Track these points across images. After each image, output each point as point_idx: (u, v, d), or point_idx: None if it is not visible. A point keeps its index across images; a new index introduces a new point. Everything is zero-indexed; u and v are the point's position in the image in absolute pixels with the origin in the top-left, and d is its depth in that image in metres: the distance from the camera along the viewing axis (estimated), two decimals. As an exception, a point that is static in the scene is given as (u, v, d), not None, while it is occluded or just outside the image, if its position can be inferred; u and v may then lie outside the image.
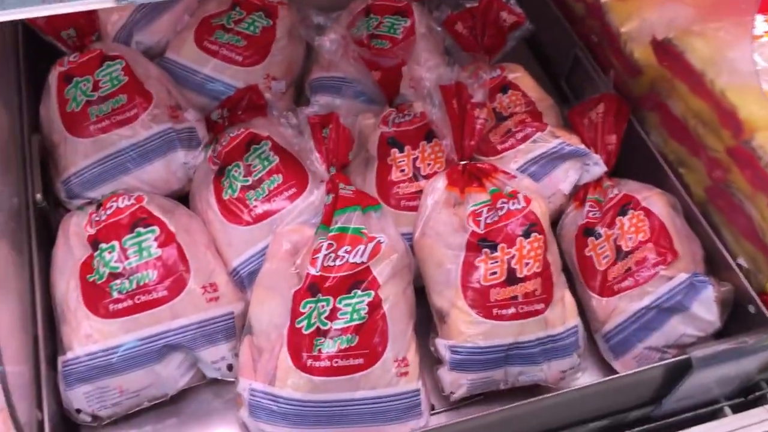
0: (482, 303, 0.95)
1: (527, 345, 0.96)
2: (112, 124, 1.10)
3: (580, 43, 1.30)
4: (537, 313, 0.96)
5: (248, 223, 1.04)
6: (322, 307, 0.92)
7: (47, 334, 0.95)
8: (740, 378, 1.02)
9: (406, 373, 0.95)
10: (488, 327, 0.95)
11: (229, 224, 1.04)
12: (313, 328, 0.91)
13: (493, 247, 0.96)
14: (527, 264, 0.96)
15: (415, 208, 1.07)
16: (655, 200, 1.06)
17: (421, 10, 1.30)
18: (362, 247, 0.94)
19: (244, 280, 1.04)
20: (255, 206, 1.04)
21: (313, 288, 0.93)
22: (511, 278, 0.95)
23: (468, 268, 0.96)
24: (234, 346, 1.00)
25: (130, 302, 0.93)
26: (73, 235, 0.99)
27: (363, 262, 0.94)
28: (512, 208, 0.97)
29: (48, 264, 1.01)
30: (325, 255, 0.93)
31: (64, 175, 1.09)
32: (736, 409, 1.04)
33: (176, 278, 0.96)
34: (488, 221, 0.97)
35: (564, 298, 1.00)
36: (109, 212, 0.98)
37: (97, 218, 0.98)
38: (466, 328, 0.96)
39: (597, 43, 1.27)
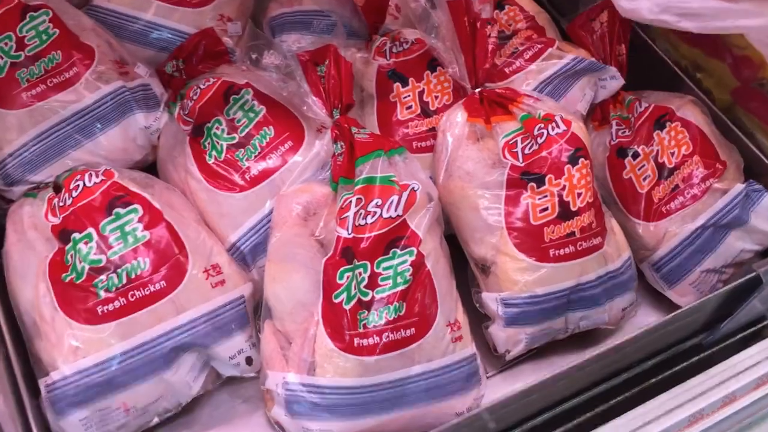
0: (535, 245, 0.83)
1: (589, 285, 0.85)
2: (48, 89, 0.89)
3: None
4: (596, 248, 0.85)
5: (243, 189, 0.87)
6: (360, 274, 0.77)
7: (19, 353, 0.76)
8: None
9: (460, 338, 0.82)
10: (546, 271, 0.83)
11: (219, 192, 0.87)
12: (354, 301, 0.77)
13: (540, 180, 0.83)
14: (579, 194, 0.84)
15: (429, 149, 0.94)
16: (689, 109, 0.96)
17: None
18: (395, 197, 0.79)
19: (246, 257, 0.87)
20: (248, 167, 0.87)
21: (347, 253, 0.78)
22: (565, 212, 0.83)
23: (512, 207, 0.84)
24: (250, 335, 0.84)
25: (122, 300, 0.75)
26: (30, 228, 0.79)
27: (399, 216, 0.79)
28: (552, 133, 0.84)
29: (-2, 269, 0.81)
30: (355, 213, 0.78)
31: (-3, 158, 0.88)
32: (787, 323, 0.98)
33: (173, 264, 0.78)
34: (527, 151, 0.84)
35: (613, 227, 0.90)
36: (75, 194, 0.78)
37: (62, 203, 0.78)
38: (520, 276, 0.83)
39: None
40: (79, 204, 0.78)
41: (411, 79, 0.95)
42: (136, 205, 0.79)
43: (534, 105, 0.87)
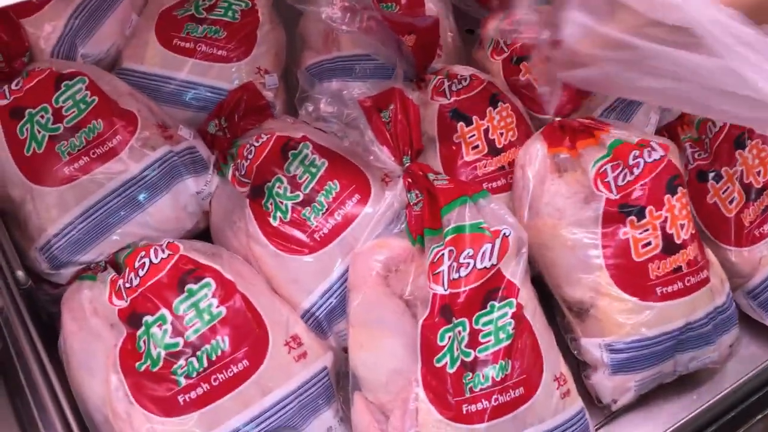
0: (640, 283, 0.77)
1: (699, 324, 0.79)
2: (92, 161, 0.82)
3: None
4: (704, 282, 0.79)
5: (313, 249, 0.80)
6: (459, 333, 0.71)
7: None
8: None
9: (568, 392, 0.75)
10: (654, 312, 0.77)
11: (288, 256, 0.80)
12: (458, 363, 0.70)
13: (640, 213, 0.78)
14: (682, 226, 0.78)
15: (501, 189, 0.88)
16: None
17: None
18: (488, 246, 0.73)
19: (322, 323, 0.80)
20: (316, 226, 0.80)
21: (445, 312, 0.71)
22: (670, 246, 0.77)
23: (611, 243, 0.77)
24: (337, 410, 0.76)
25: (205, 386, 0.68)
26: (92, 315, 0.72)
27: (493, 265, 0.73)
28: (649, 160, 0.79)
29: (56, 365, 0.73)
30: (449, 266, 0.72)
31: (41, 239, 0.81)
32: None
33: (254, 339, 0.71)
34: (620, 182, 0.79)
35: (710, 258, 0.84)
36: (143, 273, 0.71)
37: (128, 284, 0.71)
38: (626, 318, 0.77)
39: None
40: (148, 283, 0.70)
41: (474, 117, 0.89)
42: (208, 279, 0.72)
43: (622, 131, 0.82)
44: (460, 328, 0.71)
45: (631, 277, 0.77)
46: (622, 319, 0.77)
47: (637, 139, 0.80)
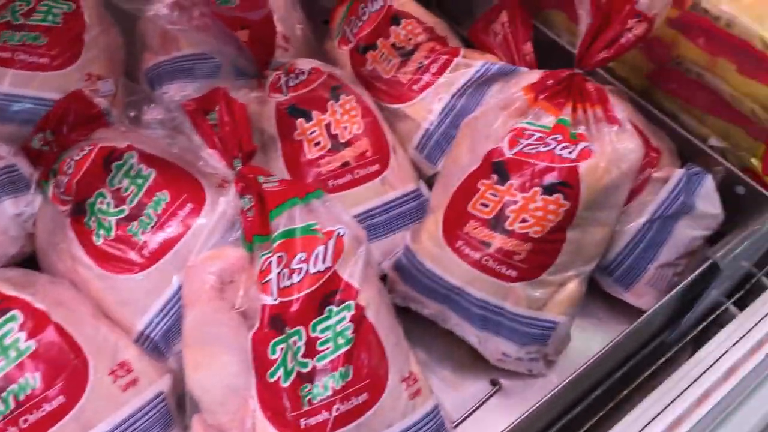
0: (455, 227, 0.78)
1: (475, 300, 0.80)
2: None
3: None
4: (503, 277, 0.79)
5: (143, 267, 0.75)
6: (295, 343, 0.67)
7: None
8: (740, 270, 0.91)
9: (418, 392, 0.73)
10: (443, 254, 0.79)
11: (115, 276, 0.75)
12: (293, 376, 0.66)
13: (504, 179, 0.78)
14: (525, 221, 0.76)
15: (347, 186, 0.84)
16: (616, 100, 0.90)
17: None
18: (321, 248, 0.69)
19: (159, 345, 0.75)
20: (145, 241, 0.75)
21: (276, 322, 0.67)
22: (498, 224, 0.77)
23: (469, 183, 0.79)
24: (178, 437, 0.71)
25: (14, 430, 0.62)
26: None
27: (328, 268, 0.69)
28: (558, 152, 0.77)
29: None
30: (278, 274, 0.68)
31: None
32: (741, 305, 0.93)
33: (71, 372, 0.65)
34: (525, 150, 0.78)
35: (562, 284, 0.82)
36: (-64, 313, 0.64)
37: None
38: (426, 241, 0.80)
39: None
40: (-59, 324, 0.64)
41: (314, 112, 0.86)
42: (14, 311, 0.65)
43: (591, 121, 0.80)
44: (295, 338, 0.67)
45: (455, 216, 0.79)
46: (425, 238, 0.82)
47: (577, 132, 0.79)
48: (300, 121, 0.85)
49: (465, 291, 0.80)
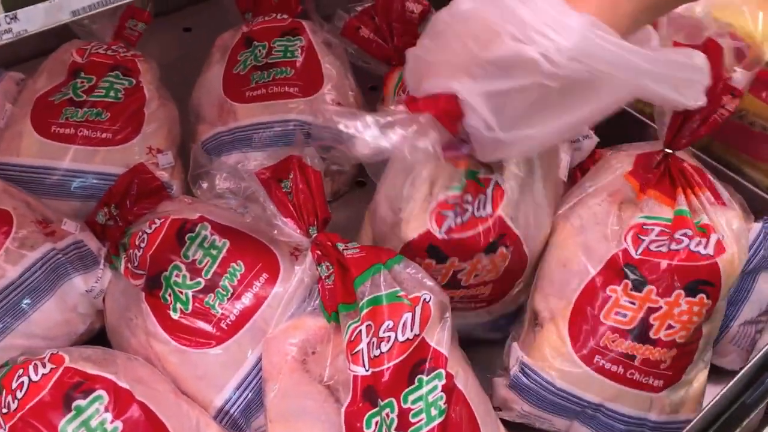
0: (588, 341, 0.73)
1: (614, 415, 0.75)
2: (-39, 272, 0.73)
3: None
4: (646, 388, 0.74)
5: (220, 340, 0.73)
6: (388, 416, 0.64)
7: None
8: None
9: (511, 462, 0.69)
10: (579, 373, 0.72)
11: (193, 351, 0.72)
12: (389, 451, 0.63)
13: (640, 284, 0.72)
14: (670, 327, 0.72)
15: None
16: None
17: (313, 23, 1.06)
18: (408, 315, 0.68)
19: (238, 421, 0.72)
20: (223, 314, 0.73)
21: (369, 394, 0.64)
22: (640, 333, 0.72)
23: (594, 289, 0.73)
24: None
25: None
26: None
27: (416, 335, 0.67)
28: (693, 248, 0.72)
29: None
30: (368, 343, 0.66)
31: None
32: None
33: (157, 455, 0.62)
34: (653, 248, 0.73)
35: (693, 383, 0.78)
36: (21, 395, 0.62)
37: (5, 410, 0.62)
38: (552, 358, 0.73)
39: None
40: (28, 406, 0.61)
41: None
42: (99, 391, 0.63)
43: (707, 206, 0.75)
44: (387, 410, 0.64)
45: (585, 329, 0.73)
46: (549, 356, 0.72)
47: (702, 223, 0.74)
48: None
49: (606, 407, 0.74)
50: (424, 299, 0.69)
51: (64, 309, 0.77)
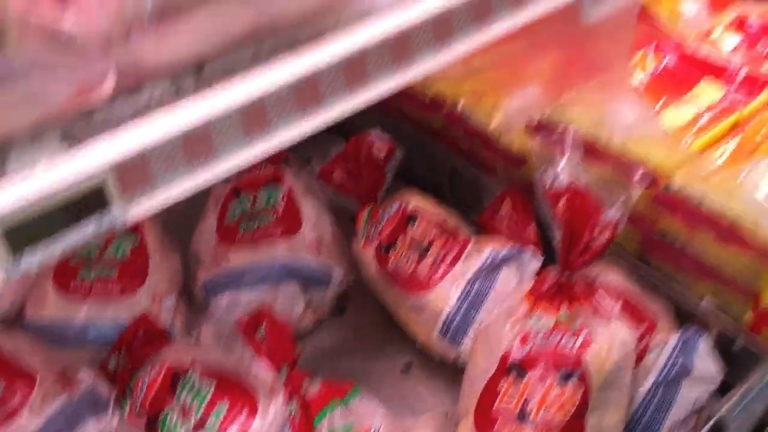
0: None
1: None
2: (-6, 423, 0.88)
3: (452, 155, 1.29)
4: None
5: (209, 473, 0.86)
6: None
7: None
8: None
9: None
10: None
11: (185, 488, 0.85)
12: None
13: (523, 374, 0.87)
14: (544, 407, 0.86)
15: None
16: (608, 272, 1.02)
17: (293, 171, 1.22)
18: (360, 446, 0.80)
19: None
20: (210, 449, 0.86)
21: None
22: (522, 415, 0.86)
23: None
24: None
25: None
26: None
27: (370, 466, 0.80)
28: (563, 344, 0.88)
29: None
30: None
31: None
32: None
33: None
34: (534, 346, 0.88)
35: None
36: None
37: None
38: None
39: (469, 148, 1.26)
40: None
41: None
42: None
43: (587, 314, 0.90)
44: None
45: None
46: None
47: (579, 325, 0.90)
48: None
49: None
50: (375, 429, 0.81)
51: (76, 457, 0.91)
